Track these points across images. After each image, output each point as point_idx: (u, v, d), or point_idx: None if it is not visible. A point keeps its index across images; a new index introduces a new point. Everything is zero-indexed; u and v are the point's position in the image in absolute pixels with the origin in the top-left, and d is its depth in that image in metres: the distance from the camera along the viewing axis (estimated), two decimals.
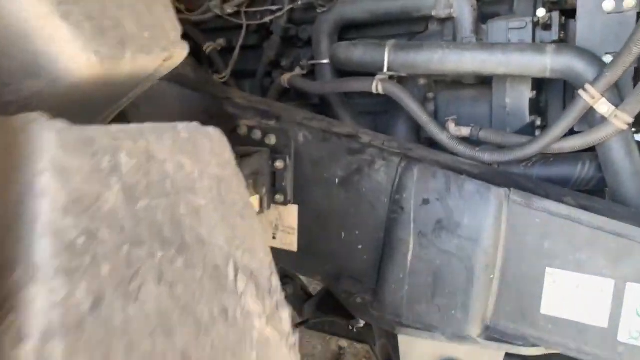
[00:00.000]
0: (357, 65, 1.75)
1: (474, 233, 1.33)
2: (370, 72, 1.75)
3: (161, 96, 1.79)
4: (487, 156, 1.50)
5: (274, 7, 2.11)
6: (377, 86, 1.66)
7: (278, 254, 1.72)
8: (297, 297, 2.32)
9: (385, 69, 1.67)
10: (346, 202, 1.54)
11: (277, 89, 2.13)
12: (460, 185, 1.35)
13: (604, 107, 1.35)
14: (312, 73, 2.08)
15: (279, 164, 1.59)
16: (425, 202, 1.38)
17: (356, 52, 1.73)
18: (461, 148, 1.53)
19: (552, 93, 1.75)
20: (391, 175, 1.45)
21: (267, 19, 2.13)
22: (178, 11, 2.43)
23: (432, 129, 1.59)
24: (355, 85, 1.74)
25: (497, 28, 1.71)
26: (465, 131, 1.59)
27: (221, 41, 2.32)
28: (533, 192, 1.31)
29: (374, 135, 1.60)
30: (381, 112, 2.02)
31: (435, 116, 1.81)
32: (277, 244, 1.72)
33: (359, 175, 1.51)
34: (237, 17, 2.22)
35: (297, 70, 2.09)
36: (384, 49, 1.67)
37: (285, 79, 2.03)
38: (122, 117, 1.93)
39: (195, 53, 2.44)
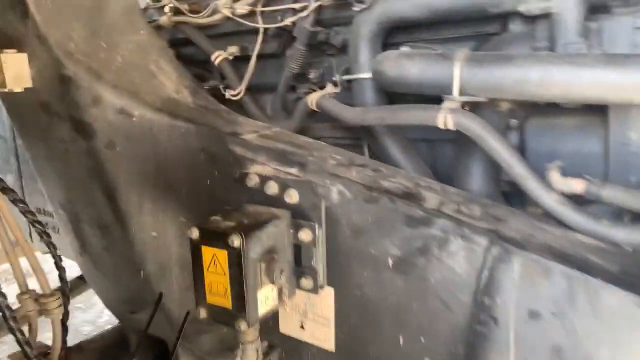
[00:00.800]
0: (414, 86, 1.25)
1: None
2: (431, 95, 1.25)
3: (145, 131, 1.33)
4: (621, 234, 0.99)
5: (296, 6, 1.62)
6: (445, 119, 1.15)
7: (308, 350, 1.25)
8: None
9: (456, 93, 1.16)
10: (405, 294, 1.05)
11: (303, 110, 1.65)
12: (593, 294, 0.84)
13: None
14: (348, 89, 1.60)
15: (304, 235, 1.11)
16: (534, 315, 0.88)
17: (412, 67, 1.23)
18: (578, 219, 1.02)
19: None
20: (475, 265, 0.95)
21: (288, 21, 1.64)
22: (179, 12, 1.98)
23: (533, 186, 1.08)
24: (411, 116, 1.24)
25: (617, 27, 1.18)
26: (577, 186, 1.07)
27: (233, 49, 1.84)
28: None
29: (443, 191, 1.11)
30: (443, 141, 1.52)
31: (522, 153, 1.30)
32: (306, 337, 1.24)
33: (424, 257, 1.02)
34: (251, 19, 1.74)
35: (329, 88, 1.60)
36: (453, 63, 1.17)
37: (312, 100, 1.54)
38: (95, 158, 1.48)
39: (202, 64, 1.98)
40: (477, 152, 1.27)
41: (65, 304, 1.51)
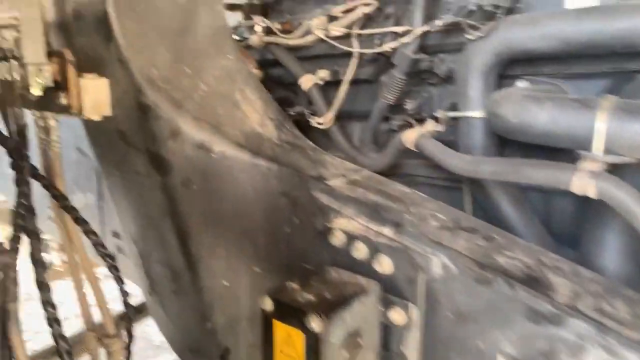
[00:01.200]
0: (540, 136, 1.02)
1: None
2: (561, 147, 1.03)
3: (224, 169, 1.20)
4: None
5: (399, 29, 1.43)
6: (583, 185, 0.92)
7: None
8: None
9: (599, 151, 0.93)
10: None
11: (397, 146, 1.46)
12: None
13: None
14: (452, 126, 1.39)
15: (396, 315, 0.92)
16: None
17: (540, 114, 1.01)
18: None
19: None
20: None
21: (388, 47, 1.46)
22: (270, 32, 1.86)
23: None
24: (538, 176, 1.01)
25: None
26: None
27: (324, 73, 1.69)
28: None
29: (575, 276, 0.88)
30: (561, 194, 1.27)
31: None
32: None
33: None
34: (346, 41, 1.58)
35: (430, 125, 1.40)
36: (596, 113, 0.94)
37: (410, 139, 1.35)
38: (169, 196, 1.38)
39: (290, 87, 1.84)
40: (617, 222, 1.02)
41: (129, 344, 1.42)
